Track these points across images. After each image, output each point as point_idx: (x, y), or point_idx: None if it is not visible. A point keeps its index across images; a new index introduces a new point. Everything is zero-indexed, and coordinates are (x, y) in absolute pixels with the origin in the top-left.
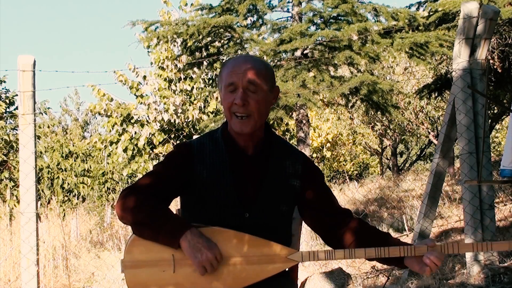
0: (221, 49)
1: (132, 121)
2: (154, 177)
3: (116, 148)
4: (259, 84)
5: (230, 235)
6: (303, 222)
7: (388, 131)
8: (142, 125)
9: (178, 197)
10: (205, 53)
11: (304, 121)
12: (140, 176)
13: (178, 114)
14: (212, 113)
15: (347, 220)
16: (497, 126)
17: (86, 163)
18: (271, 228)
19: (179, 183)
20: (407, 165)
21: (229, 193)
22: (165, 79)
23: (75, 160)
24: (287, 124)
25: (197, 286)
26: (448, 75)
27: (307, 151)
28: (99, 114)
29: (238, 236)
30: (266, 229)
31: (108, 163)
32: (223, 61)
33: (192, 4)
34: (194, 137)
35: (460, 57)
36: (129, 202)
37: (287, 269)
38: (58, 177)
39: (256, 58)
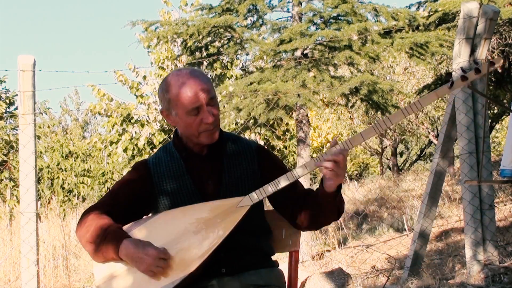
0: (221, 49)
1: (132, 121)
2: (110, 196)
3: (116, 148)
4: (215, 96)
5: (176, 212)
6: None
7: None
8: (142, 125)
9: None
10: (205, 53)
11: (304, 121)
12: None
13: None
14: None
15: (306, 199)
16: (497, 126)
17: (86, 163)
18: (243, 220)
19: (138, 200)
20: (407, 165)
21: (191, 194)
22: None
23: (75, 160)
24: (287, 124)
25: (173, 272)
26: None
27: (307, 151)
28: (99, 114)
29: (184, 210)
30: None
31: (108, 163)
32: (163, 81)
33: (192, 4)
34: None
35: (460, 57)
36: (80, 227)
37: (273, 259)
38: (58, 177)
39: (197, 71)
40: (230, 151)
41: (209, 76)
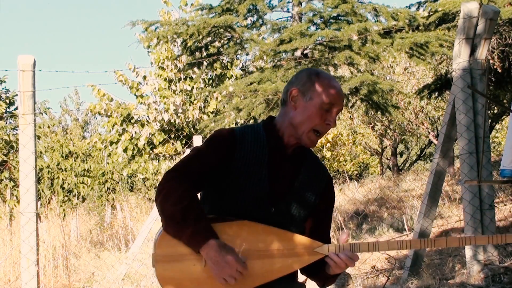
0: (221, 49)
1: (132, 121)
2: (200, 163)
3: (116, 148)
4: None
5: (258, 228)
6: None
7: (388, 131)
8: (142, 125)
9: None
10: (205, 53)
11: None
12: (140, 176)
13: (178, 114)
14: (212, 113)
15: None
16: (497, 126)
17: (86, 163)
18: (290, 229)
19: (219, 169)
20: (407, 165)
21: (263, 186)
22: (165, 79)
23: (75, 160)
24: None
25: (240, 282)
26: (448, 75)
27: None
28: (99, 114)
29: (266, 229)
30: (286, 228)
31: (108, 163)
32: (312, 72)
33: (192, 4)
34: (194, 137)
35: (460, 57)
36: (172, 191)
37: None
38: (58, 177)
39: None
40: (309, 165)
41: (209, 76)
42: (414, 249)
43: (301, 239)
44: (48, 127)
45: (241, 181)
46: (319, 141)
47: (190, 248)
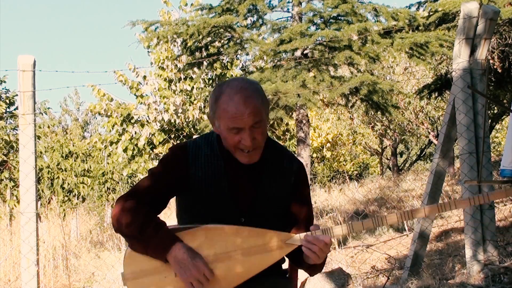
0: (221, 49)
1: (132, 121)
2: (152, 183)
3: (116, 148)
4: (262, 119)
5: (225, 230)
6: None
7: (388, 131)
8: (142, 125)
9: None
10: (205, 53)
11: (304, 121)
12: (140, 176)
13: (178, 114)
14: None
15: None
16: (497, 126)
17: (86, 163)
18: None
19: (175, 186)
20: (407, 165)
21: (225, 197)
22: (165, 79)
23: (75, 160)
24: (287, 124)
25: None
26: (448, 75)
27: (307, 151)
28: (99, 114)
29: (233, 230)
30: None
31: (108, 163)
32: (218, 87)
33: (192, 4)
34: (194, 137)
35: (460, 57)
36: (123, 214)
37: (283, 267)
38: (58, 177)
39: (251, 90)
40: (271, 166)
41: (209, 76)
42: (413, 249)
43: (272, 234)
44: (48, 127)
45: (203, 195)
46: (319, 140)
47: (158, 258)
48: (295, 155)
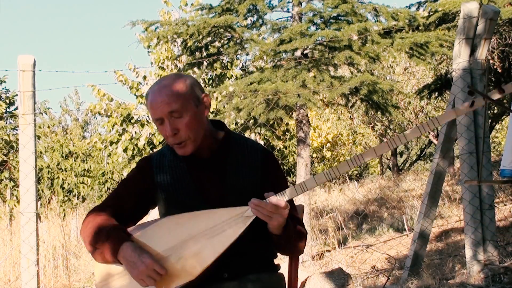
0: (221, 49)
1: (132, 121)
2: (115, 196)
3: (116, 148)
4: (181, 109)
5: (181, 220)
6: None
7: (388, 131)
8: (142, 125)
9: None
10: (205, 53)
11: (304, 121)
12: None
13: None
14: (212, 113)
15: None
16: (497, 126)
17: (86, 163)
18: None
19: (141, 197)
20: (407, 165)
21: (192, 197)
22: None
23: (75, 160)
24: (287, 124)
25: (169, 281)
26: (448, 75)
27: (307, 151)
28: (99, 114)
29: (189, 216)
30: None
31: (108, 163)
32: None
33: (192, 4)
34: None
35: (460, 57)
36: (84, 227)
37: (275, 263)
38: (58, 177)
39: (170, 80)
40: (234, 157)
41: (209, 76)
42: (413, 249)
43: (227, 211)
44: (48, 127)
45: (173, 199)
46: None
47: (113, 262)
48: (260, 144)
